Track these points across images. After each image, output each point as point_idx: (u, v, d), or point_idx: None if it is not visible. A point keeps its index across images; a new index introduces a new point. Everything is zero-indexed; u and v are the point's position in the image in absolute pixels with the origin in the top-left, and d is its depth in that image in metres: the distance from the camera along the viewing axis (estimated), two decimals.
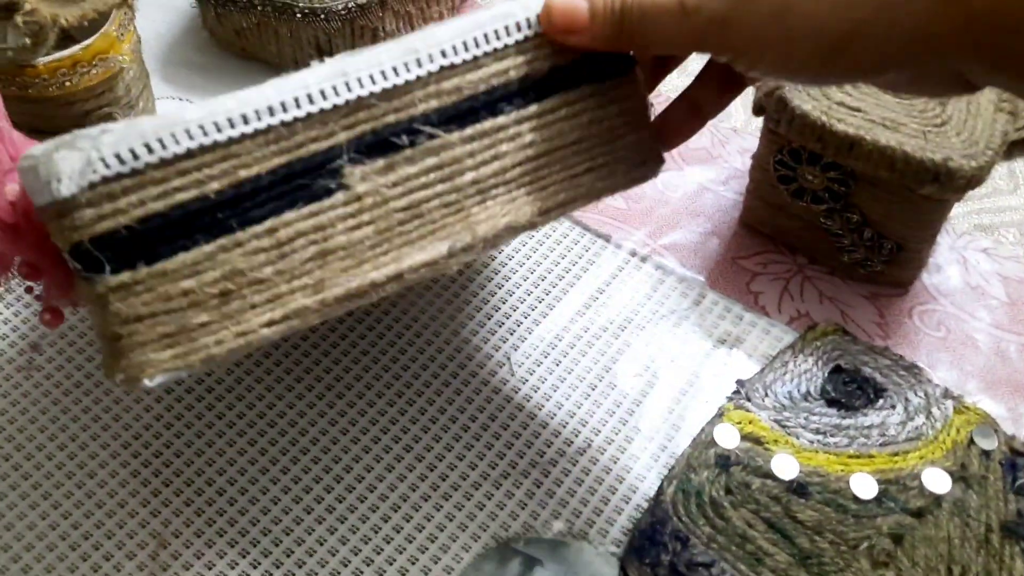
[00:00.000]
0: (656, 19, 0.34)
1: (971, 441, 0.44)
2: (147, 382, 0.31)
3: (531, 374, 0.49)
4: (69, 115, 0.53)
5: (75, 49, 0.51)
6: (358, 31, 0.62)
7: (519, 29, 0.36)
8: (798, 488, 0.42)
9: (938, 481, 0.42)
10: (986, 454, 0.43)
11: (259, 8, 0.61)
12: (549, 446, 0.46)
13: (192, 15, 0.68)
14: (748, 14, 0.32)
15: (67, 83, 0.51)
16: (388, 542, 0.43)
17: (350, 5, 0.60)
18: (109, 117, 0.54)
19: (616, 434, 0.46)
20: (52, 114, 0.53)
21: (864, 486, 0.42)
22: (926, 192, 0.46)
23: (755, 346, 0.50)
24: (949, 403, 0.46)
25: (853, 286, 0.53)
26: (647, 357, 0.50)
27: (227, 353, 0.32)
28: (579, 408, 0.47)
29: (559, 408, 0.47)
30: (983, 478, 0.43)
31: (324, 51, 0.63)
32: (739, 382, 0.47)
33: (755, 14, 0.32)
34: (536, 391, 0.48)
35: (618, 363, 0.49)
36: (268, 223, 0.33)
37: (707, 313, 0.52)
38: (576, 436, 0.46)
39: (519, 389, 0.48)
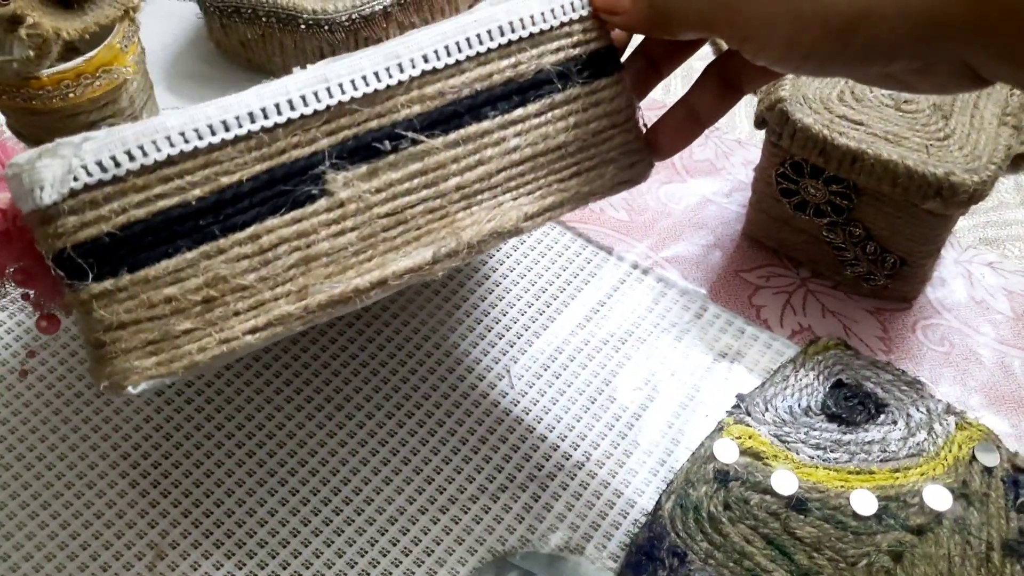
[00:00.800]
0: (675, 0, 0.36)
1: (973, 458, 0.43)
2: (131, 389, 0.31)
3: (530, 387, 0.49)
4: (73, 127, 0.53)
5: (79, 61, 0.51)
6: (362, 42, 0.62)
7: (502, 33, 0.36)
8: (797, 504, 0.42)
9: (939, 498, 0.42)
10: (988, 471, 0.43)
11: (264, 19, 0.61)
12: (547, 459, 0.46)
13: (197, 26, 0.69)
14: None
15: (71, 95, 0.52)
16: (384, 555, 0.43)
17: (354, 16, 0.61)
18: None
19: (615, 448, 0.46)
20: (56, 126, 0.53)
21: (864, 502, 0.42)
22: (929, 207, 0.46)
23: (756, 360, 0.50)
24: (951, 419, 0.45)
25: (856, 300, 0.53)
26: (647, 371, 0.49)
27: (211, 360, 0.32)
28: (578, 421, 0.47)
29: (558, 421, 0.47)
30: (985, 495, 0.42)
31: None
32: (739, 396, 0.47)
33: None
34: (535, 404, 0.48)
35: (618, 376, 0.49)
36: (251, 230, 0.33)
37: (708, 326, 0.51)
38: (574, 450, 0.46)
39: (518, 402, 0.48)
